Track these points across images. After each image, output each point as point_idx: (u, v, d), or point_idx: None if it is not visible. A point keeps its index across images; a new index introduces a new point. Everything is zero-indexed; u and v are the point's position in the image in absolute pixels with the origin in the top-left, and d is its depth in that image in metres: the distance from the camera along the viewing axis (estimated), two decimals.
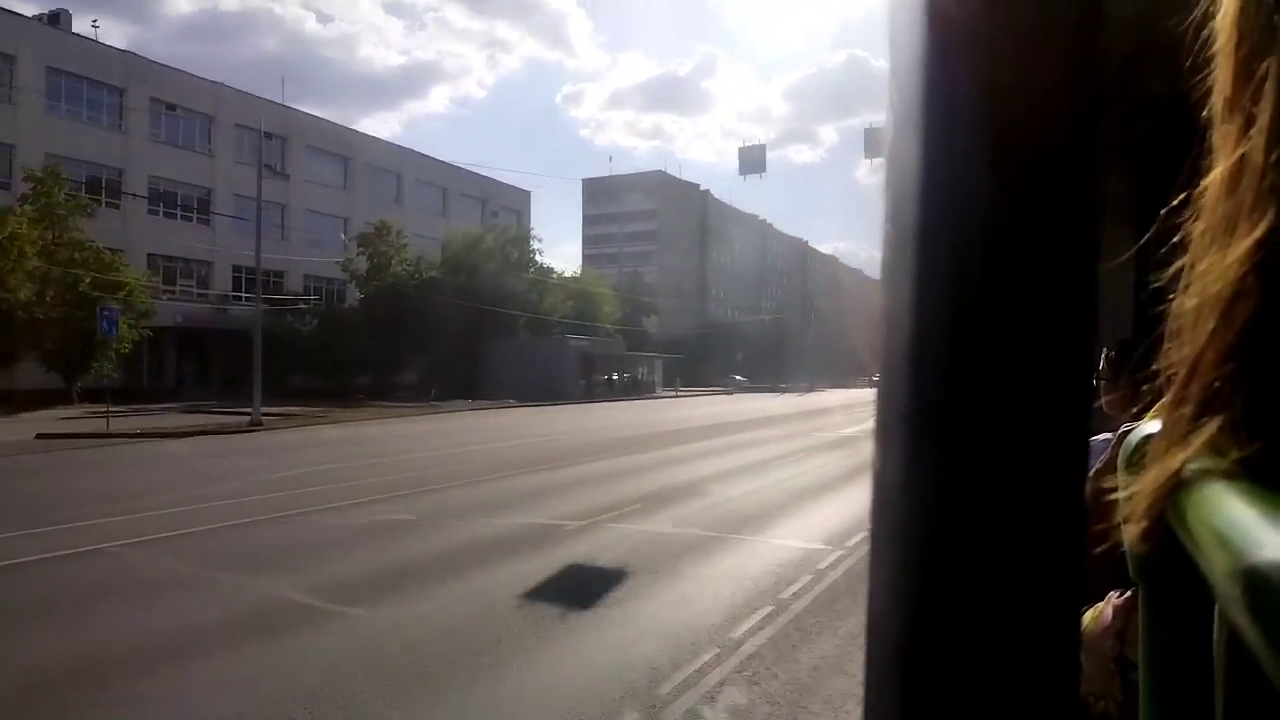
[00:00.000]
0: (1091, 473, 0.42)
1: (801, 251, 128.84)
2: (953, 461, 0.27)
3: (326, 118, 58.53)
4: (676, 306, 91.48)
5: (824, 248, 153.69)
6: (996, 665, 0.27)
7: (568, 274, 59.94)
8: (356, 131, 51.72)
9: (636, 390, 51.94)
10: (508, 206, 61.10)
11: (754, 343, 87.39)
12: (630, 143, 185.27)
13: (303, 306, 42.06)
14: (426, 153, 57.87)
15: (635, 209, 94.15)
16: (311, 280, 45.79)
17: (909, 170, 0.28)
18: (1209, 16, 0.36)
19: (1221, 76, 0.36)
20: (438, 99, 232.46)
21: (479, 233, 48.03)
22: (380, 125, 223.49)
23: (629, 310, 71.36)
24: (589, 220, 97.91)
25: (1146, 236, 0.42)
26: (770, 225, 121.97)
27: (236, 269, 42.85)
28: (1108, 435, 1.05)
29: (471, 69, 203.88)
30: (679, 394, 53.36)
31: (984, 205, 0.27)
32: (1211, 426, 0.35)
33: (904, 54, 0.29)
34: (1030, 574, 0.27)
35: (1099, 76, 0.28)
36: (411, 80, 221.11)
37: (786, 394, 48.52)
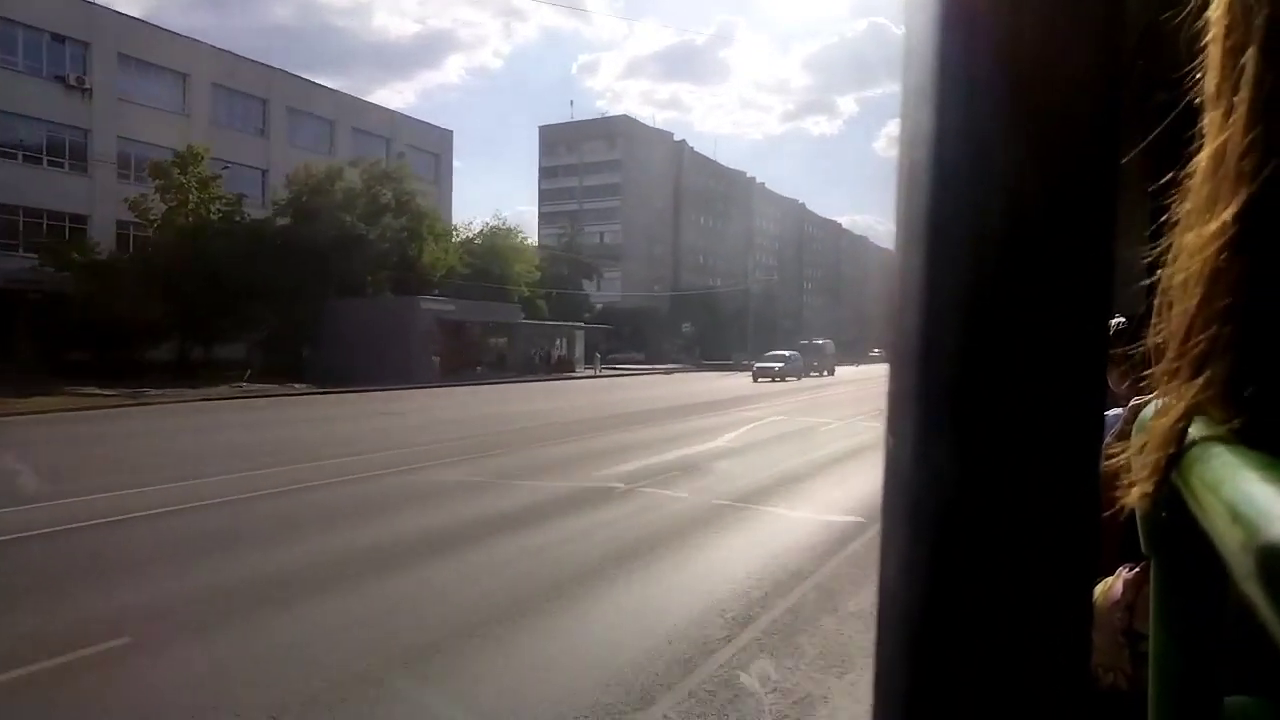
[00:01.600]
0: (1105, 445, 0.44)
1: (798, 216, 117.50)
2: (965, 437, 0.27)
3: (158, 24, 47.74)
4: (642, 272, 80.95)
5: (843, 220, 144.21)
6: (1008, 641, 0.27)
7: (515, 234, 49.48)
8: (200, 41, 41.09)
9: (546, 369, 41.78)
10: (421, 148, 50.41)
11: (727, 313, 76.56)
12: (646, 112, 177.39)
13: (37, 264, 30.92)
14: (317, 80, 47.15)
15: (597, 159, 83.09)
16: (125, 227, 35.77)
17: (924, 142, 0.28)
18: (1205, 5, 0.36)
19: (1211, 64, 0.37)
20: (453, 69, 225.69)
21: (336, 166, 37.47)
22: (394, 95, 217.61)
23: (568, 272, 61.08)
24: (545, 173, 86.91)
25: (1160, 214, 0.42)
26: (764, 186, 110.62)
27: (9, 208, 33.09)
28: (1118, 410, 1.09)
29: (487, 38, 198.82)
30: (597, 374, 43.14)
31: (1001, 177, 0.27)
32: (1202, 394, 0.36)
33: (919, 22, 0.28)
34: (1042, 550, 0.27)
35: (1120, 45, 0.28)
36: (426, 50, 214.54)
37: (765, 376, 38.75)
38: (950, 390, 0.28)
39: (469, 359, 37.72)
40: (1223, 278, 0.35)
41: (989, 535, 0.27)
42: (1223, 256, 0.34)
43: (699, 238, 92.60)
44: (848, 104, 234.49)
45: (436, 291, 38.61)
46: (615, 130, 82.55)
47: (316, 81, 48.14)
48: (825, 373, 47.07)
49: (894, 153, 0.30)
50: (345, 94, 49.33)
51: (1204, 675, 0.39)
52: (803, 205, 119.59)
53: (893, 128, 0.27)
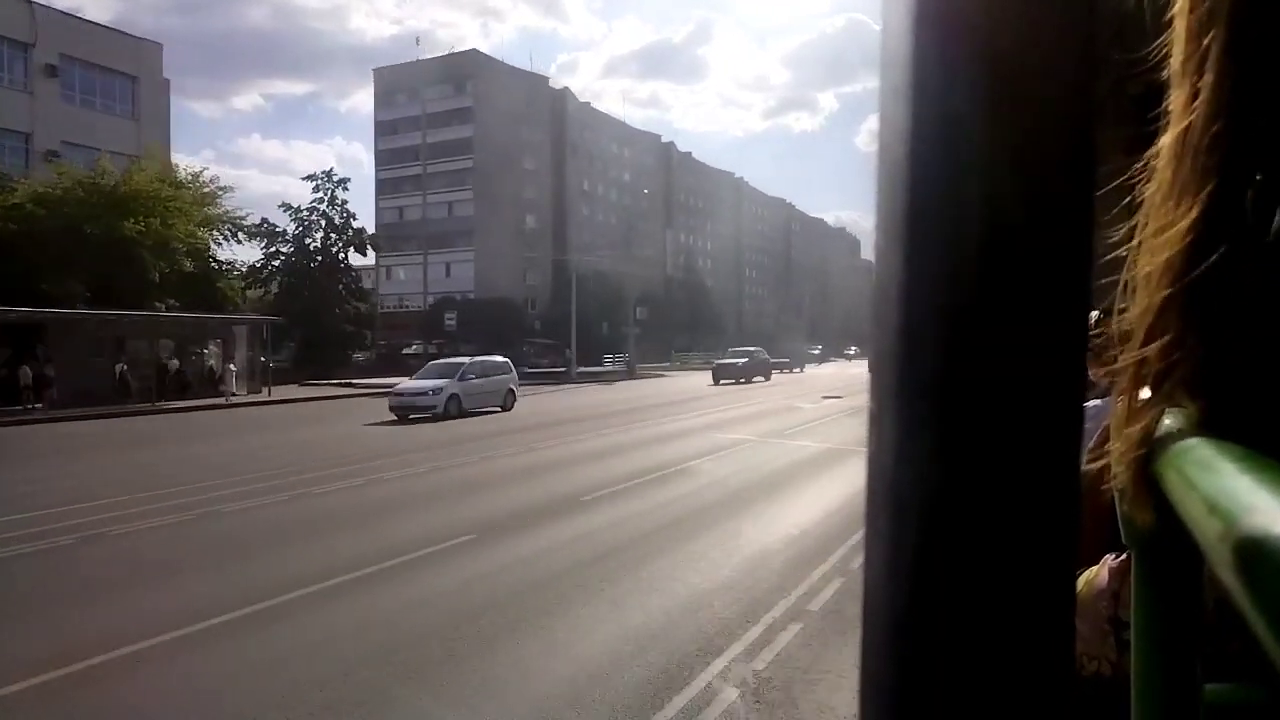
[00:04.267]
0: (1093, 441, 0.46)
1: (734, 189, 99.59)
2: (948, 431, 0.27)
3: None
4: (506, 251, 62.65)
5: (828, 218, 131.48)
6: (992, 633, 0.27)
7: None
8: None
9: (153, 391, 23.39)
10: (99, 62, 32.94)
11: (640, 303, 58.14)
12: (626, 112, 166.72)
13: None
14: None
15: (445, 107, 64.63)
16: None
17: (902, 138, 0.28)
18: None
19: (1177, 42, 0.36)
20: None
21: None
22: (371, 99, 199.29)
23: (328, 244, 42.84)
24: (383, 129, 68.26)
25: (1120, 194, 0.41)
26: (690, 156, 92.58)
27: None
28: (1097, 401, 1.09)
29: (465, 38, 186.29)
30: (231, 402, 24.72)
31: (979, 173, 0.27)
32: (1173, 387, 0.36)
33: (896, 18, 0.29)
34: (1025, 542, 0.28)
35: (1097, 38, 0.28)
36: (404, 51, 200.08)
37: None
38: (931, 386, 0.28)
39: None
40: (1187, 272, 0.34)
41: (972, 529, 0.27)
42: (1187, 251, 0.34)
43: (601, 211, 74.41)
44: (828, 100, 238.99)
45: None
46: (464, 71, 63.96)
47: None
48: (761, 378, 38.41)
49: (874, 148, 0.30)
50: None
51: (1185, 663, 0.40)
52: (740, 179, 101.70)
53: (873, 123, 0.29)
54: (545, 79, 71.08)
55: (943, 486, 0.27)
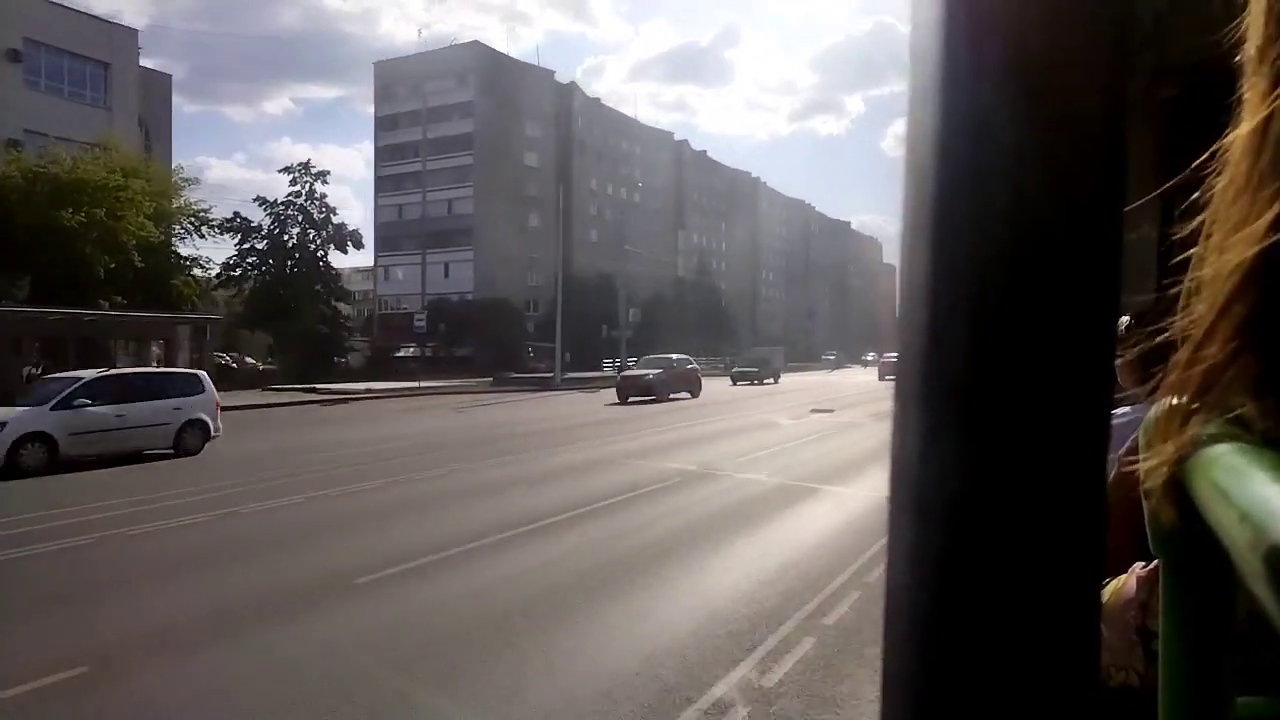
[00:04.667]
0: (1124, 449, 0.45)
1: (750, 189, 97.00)
2: (972, 434, 0.27)
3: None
4: (509, 251, 60.70)
5: (852, 223, 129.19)
6: (1015, 638, 0.27)
7: None
8: None
9: None
10: (67, 48, 31.28)
11: (650, 304, 55.76)
12: (653, 116, 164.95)
13: None
14: None
15: (446, 101, 62.68)
16: None
17: (930, 140, 0.28)
18: None
19: (1254, 22, 0.34)
20: None
21: None
22: None
23: (304, 239, 40.97)
24: (383, 125, 66.25)
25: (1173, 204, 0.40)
26: (705, 154, 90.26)
27: None
28: (1126, 409, 1.10)
29: (492, 43, 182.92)
30: None
31: (1008, 174, 0.27)
32: (1227, 391, 0.34)
33: (925, 20, 0.28)
34: (1049, 546, 0.27)
35: (1127, 41, 0.28)
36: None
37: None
38: (957, 386, 0.28)
39: None
40: (1263, 277, 0.32)
41: (996, 531, 0.27)
42: (1265, 252, 0.31)
43: (607, 210, 72.27)
44: (855, 103, 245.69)
45: None
46: (467, 64, 61.80)
47: None
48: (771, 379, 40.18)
49: (901, 152, 0.29)
50: None
51: (1214, 675, 0.39)
52: (756, 178, 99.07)
53: (899, 127, 0.29)
54: (551, 73, 68.78)
55: (966, 489, 0.27)
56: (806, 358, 53.86)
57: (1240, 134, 0.34)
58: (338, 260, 43.46)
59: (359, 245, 42.45)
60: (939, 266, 0.28)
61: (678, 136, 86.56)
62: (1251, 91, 0.33)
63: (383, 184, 64.87)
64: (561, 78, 70.03)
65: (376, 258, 63.73)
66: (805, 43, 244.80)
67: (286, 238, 41.75)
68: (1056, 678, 0.27)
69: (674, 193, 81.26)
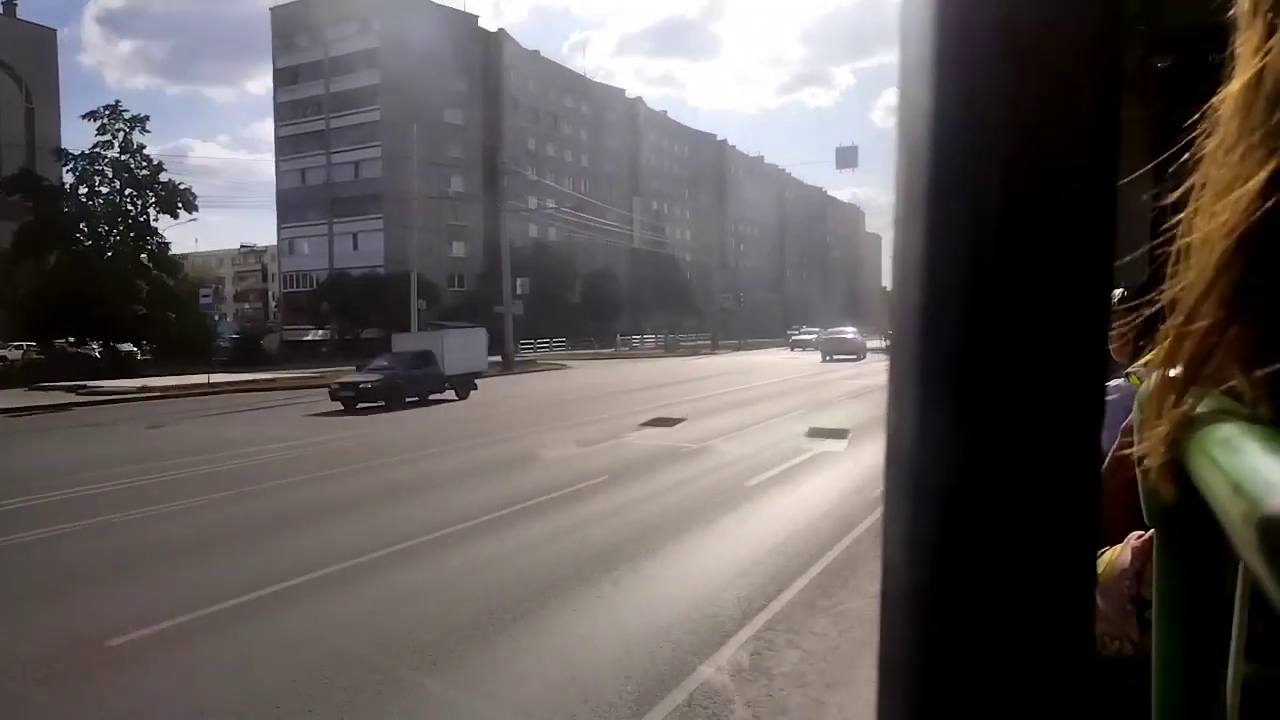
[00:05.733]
0: (1123, 426, 0.46)
1: (715, 153, 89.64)
2: (967, 410, 0.27)
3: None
4: (421, 220, 53.29)
5: (843, 195, 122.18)
6: (1011, 613, 0.27)
7: None
8: None
9: None
10: None
11: (601, 279, 48.18)
12: (640, 90, 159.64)
13: None
14: None
15: (348, 50, 54.97)
16: None
17: (922, 114, 0.27)
18: None
19: None
20: None
21: None
22: None
23: (139, 203, 33.66)
24: (282, 79, 58.57)
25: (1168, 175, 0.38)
26: (664, 115, 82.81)
27: None
28: (1118, 381, 1.10)
29: (478, 18, 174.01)
30: None
31: (1000, 148, 0.27)
32: (1218, 363, 0.33)
33: None
34: (1044, 522, 0.27)
35: (1121, 12, 0.27)
36: None
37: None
38: (951, 365, 0.28)
39: None
40: (1254, 240, 0.31)
41: (991, 507, 0.27)
42: (1255, 213, 0.30)
43: (549, 175, 64.92)
44: (844, 75, 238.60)
45: None
46: (373, 5, 53.88)
47: None
48: None
49: (891, 123, 0.29)
50: None
51: (1207, 643, 0.39)
52: (723, 141, 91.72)
53: (889, 98, 0.27)
54: (475, 18, 60.94)
55: (962, 465, 0.27)
56: (774, 334, 47.69)
57: (1231, 91, 0.32)
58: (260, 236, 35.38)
59: (191, 208, 34.79)
60: (932, 242, 0.27)
61: (619, 88, 79.22)
62: (1244, 46, 0.32)
63: (283, 145, 57.50)
64: (547, 54, 62.60)
65: (280, 229, 56.56)
66: (794, 14, 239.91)
67: (94, 201, 34.27)
68: (1053, 650, 0.27)
69: (628, 156, 73.99)
